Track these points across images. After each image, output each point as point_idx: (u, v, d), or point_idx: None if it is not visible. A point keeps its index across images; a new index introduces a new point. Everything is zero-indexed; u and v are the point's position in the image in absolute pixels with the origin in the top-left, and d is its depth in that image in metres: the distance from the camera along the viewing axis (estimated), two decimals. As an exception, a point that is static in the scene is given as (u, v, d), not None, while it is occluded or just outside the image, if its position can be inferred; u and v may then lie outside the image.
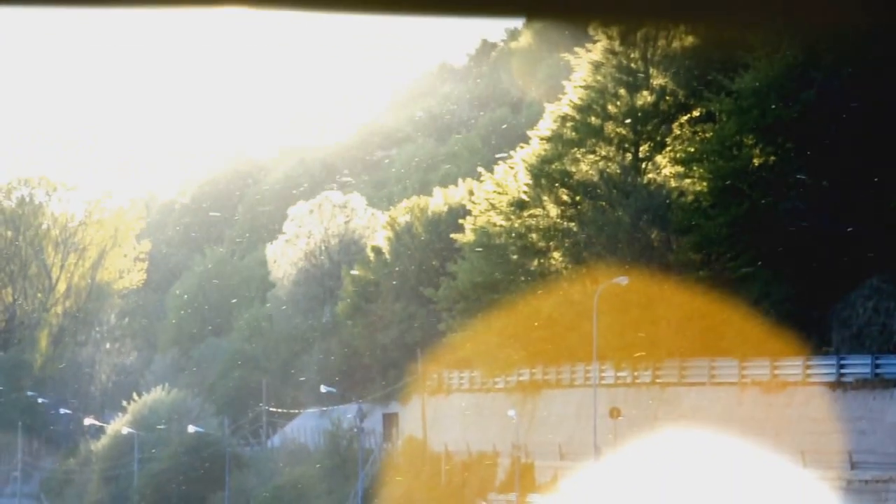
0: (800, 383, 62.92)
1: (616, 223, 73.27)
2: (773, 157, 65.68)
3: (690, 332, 69.05)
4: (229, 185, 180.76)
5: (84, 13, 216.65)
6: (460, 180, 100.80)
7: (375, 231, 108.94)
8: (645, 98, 75.36)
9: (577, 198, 77.85)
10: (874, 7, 7.09)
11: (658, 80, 75.35)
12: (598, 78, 77.36)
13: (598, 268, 73.75)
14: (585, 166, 77.53)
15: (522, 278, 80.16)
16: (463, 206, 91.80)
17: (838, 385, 61.39)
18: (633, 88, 75.73)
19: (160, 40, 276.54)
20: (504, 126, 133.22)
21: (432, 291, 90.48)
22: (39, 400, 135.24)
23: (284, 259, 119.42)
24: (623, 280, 67.52)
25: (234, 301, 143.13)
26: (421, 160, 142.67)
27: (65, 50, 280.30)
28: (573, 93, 78.62)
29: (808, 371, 63.02)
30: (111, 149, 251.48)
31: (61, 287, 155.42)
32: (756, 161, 66.29)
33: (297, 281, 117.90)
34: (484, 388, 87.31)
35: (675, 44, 75.63)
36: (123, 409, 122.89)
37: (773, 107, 65.29)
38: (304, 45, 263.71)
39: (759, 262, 65.43)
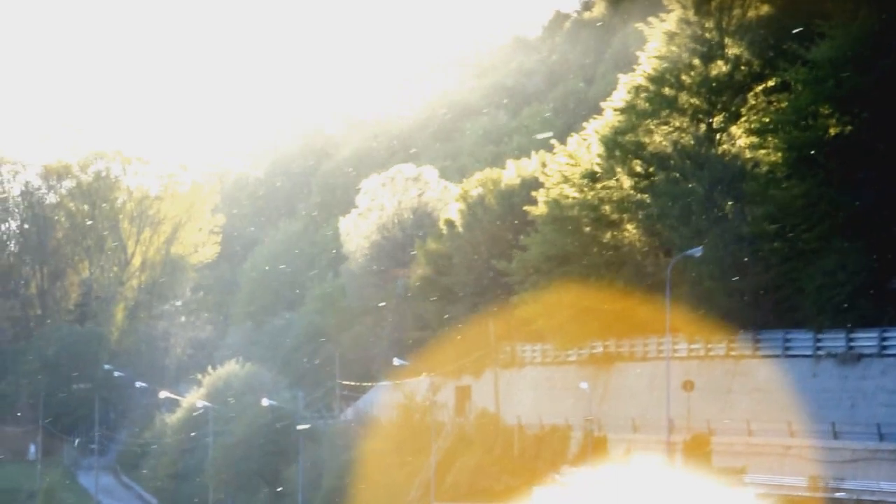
0: (875, 355, 62.15)
1: (689, 194, 72.73)
2: (849, 127, 64.78)
3: (765, 304, 68.42)
4: (302, 159, 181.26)
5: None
6: (533, 152, 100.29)
7: (448, 203, 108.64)
8: (719, 68, 74.65)
9: (651, 169, 77.33)
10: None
11: (733, 50, 74.61)
12: (672, 48, 76.73)
13: (671, 239, 73.27)
14: (659, 137, 77.01)
15: (595, 250, 79.77)
16: (536, 179, 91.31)
17: (915, 357, 60.67)
18: (708, 58, 75.05)
19: (234, 14, 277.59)
20: (577, 97, 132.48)
21: (505, 264, 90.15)
22: (115, 373, 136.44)
23: (357, 232, 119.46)
24: (697, 252, 66.94)
25: (307, 274, 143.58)
26: (493, 132, 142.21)
27: (139, 25, 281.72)
28: (647, 63, 78.03)
29: (884, 343, 62.19)
30: (186, 123, 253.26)
31: (137, 261, 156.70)
32: (832, 131, 65.42)
33: (369, 254, 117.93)
34: (556, 360, 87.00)
35: (751, 13, 74.88)
36: (198, 383, 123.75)
37: (849, 76, 64.38)
38: (377, 18, 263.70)
39: (835, 233, 64.63)
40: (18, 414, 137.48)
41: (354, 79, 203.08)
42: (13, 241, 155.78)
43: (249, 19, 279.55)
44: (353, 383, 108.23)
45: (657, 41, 77.98)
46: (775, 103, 71.09)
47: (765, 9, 74.42)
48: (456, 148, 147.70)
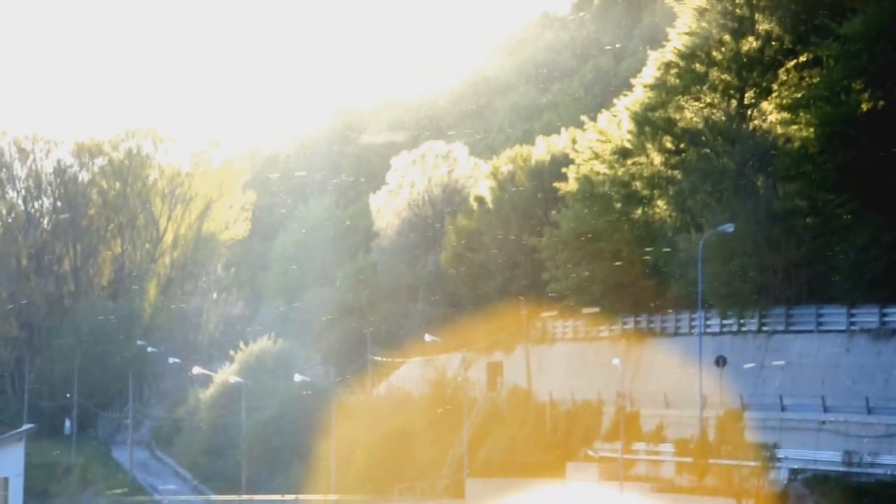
0: (909, 330, 62.30)
1: (721, 171, 72.86)
2: (881, 102, 64.75)
3: (797, 280, 68.51)
4: (333, 135, 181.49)
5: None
6: (563, 129, 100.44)
7: (478, 181, 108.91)
8: (750, 44, 74.60)
9: (682, 145, 77.49)
10: None
11: (764, 26, 74.55)
12: (703, 24, 76.71)
13: (702, 215, 73.38)
14: (690, 114, 77.09)
15: (626, 227, 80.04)
16: (566, 155, 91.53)
17: (949, 331, 60.70)
18: (739, 34, 75.02)
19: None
20: (607, 74, 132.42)
21: (536, 241, 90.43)
22: (149, 349, 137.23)
23: (388, 209, 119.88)
24: (728, 227, 67.12)
25: (339, 251, 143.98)
26: (523, 109, 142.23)
27: (171, 1, 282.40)
28: (677, 40, 78.04)
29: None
30: (217, 100, 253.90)
31: (168, 238, 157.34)
32: (864, 106, 65.39)
33: (400, 231, 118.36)
34: (588, 337, 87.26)
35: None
36: (230, 359, 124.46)
37: (882, 50, 64.33)
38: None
39: (868, 209, 64.64)
40: (62, 391, 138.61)
41: (385, 56, 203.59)
42: (46, 219, 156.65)
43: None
44: (385, 359, 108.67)
45: (687, 17, 77.96)
46: (807, 79, 71.07)
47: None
48: (486, 125, 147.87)
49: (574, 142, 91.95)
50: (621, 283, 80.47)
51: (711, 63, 75.68)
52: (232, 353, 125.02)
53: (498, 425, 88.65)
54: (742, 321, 71.24)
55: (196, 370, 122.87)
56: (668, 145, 78.12)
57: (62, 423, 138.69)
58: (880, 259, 63.54)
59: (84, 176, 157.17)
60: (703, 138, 75.87)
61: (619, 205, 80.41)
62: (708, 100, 76.20)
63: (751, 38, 74.57)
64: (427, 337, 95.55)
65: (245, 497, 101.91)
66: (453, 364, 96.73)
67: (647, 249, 77.95)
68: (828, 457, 60.01)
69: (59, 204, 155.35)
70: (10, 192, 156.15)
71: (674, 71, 77.42)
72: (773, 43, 74.16)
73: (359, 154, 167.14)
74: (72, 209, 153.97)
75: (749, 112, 74.98)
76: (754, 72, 74.77)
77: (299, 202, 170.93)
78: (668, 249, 75.57)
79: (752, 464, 62.49)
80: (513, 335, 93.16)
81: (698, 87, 76.39)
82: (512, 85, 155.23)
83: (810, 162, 67.85)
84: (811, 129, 68.38)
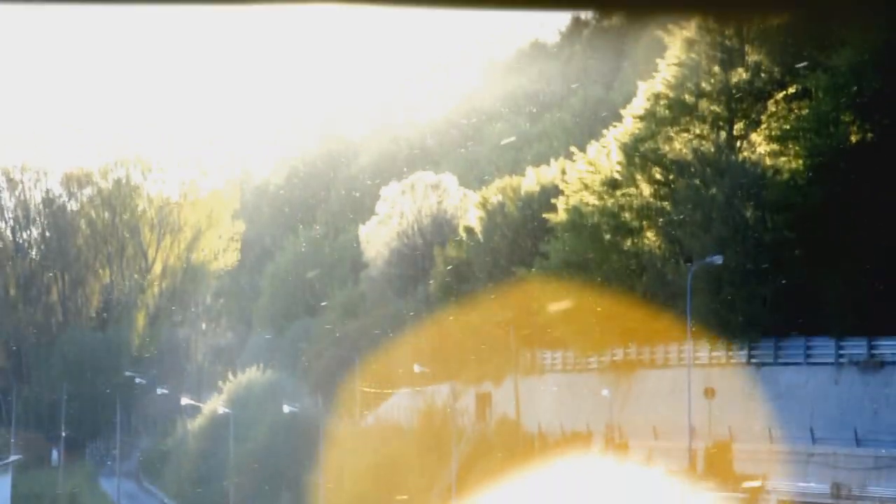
0: (898, 362, 62.23)
1: (710, 202, 72.80)
2: (870, 134, 64.87)
3: (786, 311, 68.48)
4: (322, 166, 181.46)
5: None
6: (552, 159, 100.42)
7: (467, 211, 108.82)
8: (740, 75, 74.68)
9: (671, 176, 77.43)
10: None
11: (753, 57, 74.65)
12: (692, 55, 76.78)
13: (691, 246, 73.34)
14: (679, 144, 77.06)
15: (615, 258, 79.90)
16: (555, 186, 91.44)
17: (938, 364, 60.64)
18: (728, 65, 75.09)
19: (255, 21, 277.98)
20: (596, 104, 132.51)
21: (525, 271, 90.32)
22: (137, 380, 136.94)
23: (377, 239, 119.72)
24: (717, 259, 67.07)
25: (328, 281, 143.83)
26: (513, 139, 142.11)
27: (160, 31, 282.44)
28: (666, 70, 78.07)
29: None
30: (206, 129, 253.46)
31: (157, 268, 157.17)
32: (853, 138, 65.52)
33: (389, 261, 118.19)
34: (577, 367, 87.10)
35: (771, 20, 74.81)
36: (219, 389, 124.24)
37: (871, 82, 64.47)
38: (396, 23, 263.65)
39: (856, 240, 64.65)
40: (49, 421, 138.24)
41: (374, 85, 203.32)
42: (35, 249, 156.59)
43: (271, 26, 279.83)
44: (373, 389, 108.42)
45: (677, 48, 78.05)
46: (796, 110, 71.21)
47: (785, 16, 74.46)
48: (475, 155, 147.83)
49: (563, 172, 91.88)
50: (610, 313, 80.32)
51: (701, 94, 75.76)
52: (220, 383, 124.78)
53: (487, 456, 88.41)
54: (731, 352, 71.16)
55: (184, 400, 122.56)
56: (658, 176, 78.11)
57: (49, 452, 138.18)
58: (869, 291, 63.53)
59: (73, 205, 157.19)
60: (692, 169, 75.84)
61: (608, 235, 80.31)
62: (697, 131, 76.24)
63: (740, 70, 74.67)
64: (416, 367, 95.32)
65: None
66: (442, 394, 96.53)
67: (636, 280, 77.86)
68: (816, 488, 59.89)
69: (47, 234, 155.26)
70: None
71: (663, 102, 77.46)
72: (763, 74, 74.28)
73: (348, 184, 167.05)
74: (60, 239, 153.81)
75: (738, 143, 75.01)
76: (743, 103, 74.86)
77: (288, 231, 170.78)
78: (656, 280, 75.51)
79: (741, 495, 62.31)
80: (502, 366, 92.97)
81: (687, 118, 76.43)
82: (502, 114, 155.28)
83: (799, 193, 67.90)
84: (800, 161, 68.51)
